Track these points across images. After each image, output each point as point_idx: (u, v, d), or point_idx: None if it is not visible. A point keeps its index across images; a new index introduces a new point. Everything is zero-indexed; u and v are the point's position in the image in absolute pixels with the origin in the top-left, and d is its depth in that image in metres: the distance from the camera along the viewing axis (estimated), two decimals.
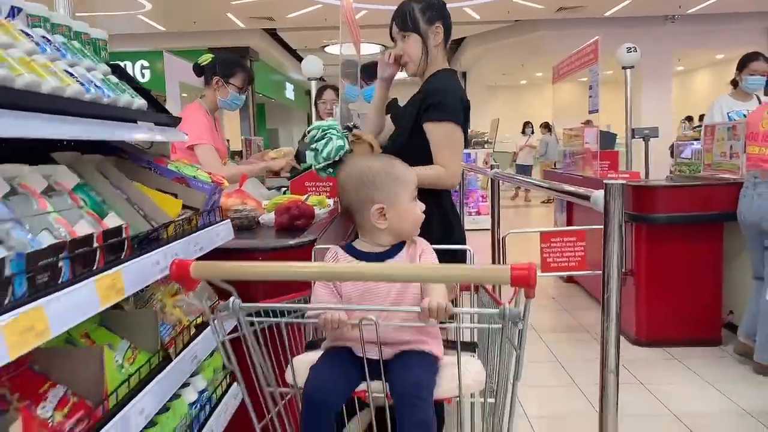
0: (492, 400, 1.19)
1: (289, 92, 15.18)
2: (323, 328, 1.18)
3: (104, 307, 0.92)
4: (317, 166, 2.03)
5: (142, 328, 1.20)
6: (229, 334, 1.21)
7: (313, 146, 1.96)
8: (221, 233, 1.54)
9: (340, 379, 1.20)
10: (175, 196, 1.41)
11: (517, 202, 13.07)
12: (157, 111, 1.46)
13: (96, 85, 1.15)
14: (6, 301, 0.73)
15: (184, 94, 7.42)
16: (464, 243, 2.07)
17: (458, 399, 1.18)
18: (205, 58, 3.14)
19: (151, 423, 1.20)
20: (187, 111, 3.12)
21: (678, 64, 13.41)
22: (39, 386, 0.93)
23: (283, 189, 3.46)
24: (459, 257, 1.68)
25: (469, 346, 1.35)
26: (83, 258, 0.91)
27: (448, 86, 2.02)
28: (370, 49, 9.61)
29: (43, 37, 1.14)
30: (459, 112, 1.99)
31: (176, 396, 1.33)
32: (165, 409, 1.27)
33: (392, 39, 2.13)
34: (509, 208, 11.81)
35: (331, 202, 2.85)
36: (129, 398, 1.04)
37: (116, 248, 1.02)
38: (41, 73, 0.96)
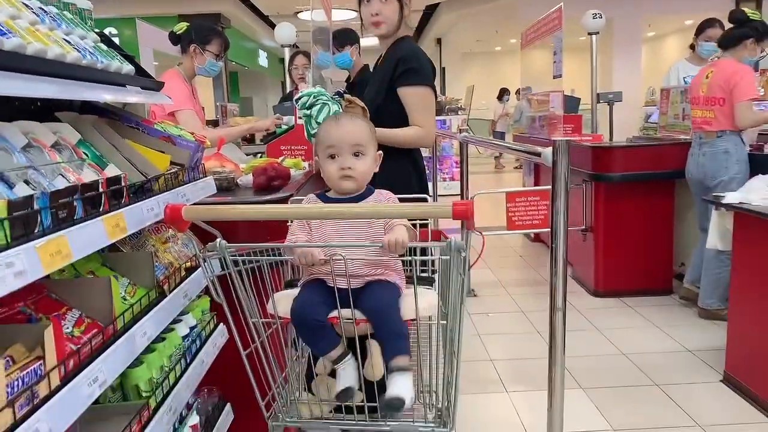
0: (444, 322, 1.39)
1: (263, 60, 15.03)
2: (299, 261, 1.36)
3: (112, 241, 1.08)
4: (312, 132, 2.16)
5: (139, 268, 1.37)
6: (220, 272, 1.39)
7: (307, 112, 2.09)
8: (204, 188, 1.70)
9: (320, 301, 1.38)
10: (162, 153, 1.57)
11: (491, 168, 13.31)
12: (142, 76, 1.60)
13: (90, 52, 1.29)
14: (36, 230, 0.90)
15: (156, 62, 7.40)
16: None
17: (415, 321, 1.38)
18: (181, 27, 3.23)
19: (150, 349, 1.39)
20: (165, 78, 3.22)
21: (648, 30, 13.60)
22: (58, 309, 1.10)
23: (259, 154, 3.60)
24: None
25: (426, 280, 1.55)
26: (92, 200, 1.07)
27: (420, 52, 2.18)
28: (341, 15, 9.58)
29: (40, 8, 1.27)
30: (431, 76, 2.15)
31: (170, 329, 1.52)
32: (161, 339, 1.46)
33: (362, 1, 2.22)
34: (482, 174, 12.05)
35: (306, 164, 3.00)
36: (134, 322, 1.21)
37: (117, 194, 1.19)
38: (46, 42, 1.10)
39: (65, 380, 0.95)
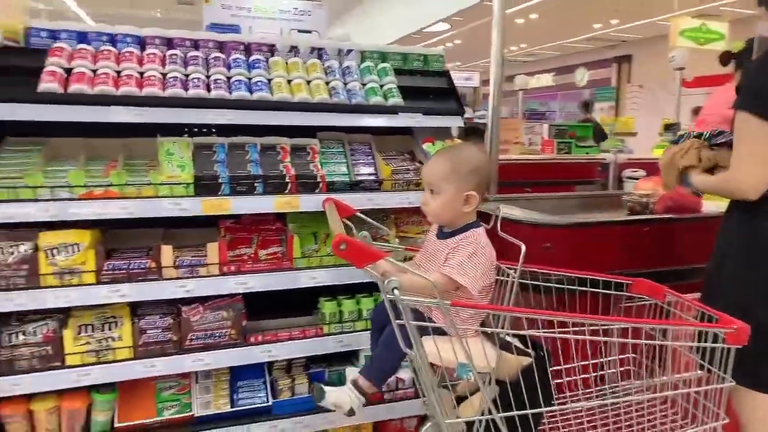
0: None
1: None
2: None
3: (276, 210, 1.81)
4: None
5: None
6: None
7: None
8: None
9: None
10: (420, 163, 2.02)
11: None
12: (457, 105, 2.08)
13: (352, 93, 1.95)
14: (218, 193, 1.77)
15: None
16: None
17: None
18: (737, 46, 2.98)
19: (336, 298, 2.00)
20: (719, 89, 3.13)
21: None
22: (270, 243, 1.92)
23: None
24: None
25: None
26: (274, 185, 1.81)
27: (761, 63, 1.47)
28: None
29: (347, 66, 2.03)
30: (765, 98, 1.42)
31: (370, 294, 2.02)
32: (351, 297, 2.01)
33: None
34: None
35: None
36: (306, 268, 1.89)
37: (311, 186, 1.86)
38: (297, 90, 1.88)
39: (222, 273, 1.81)
